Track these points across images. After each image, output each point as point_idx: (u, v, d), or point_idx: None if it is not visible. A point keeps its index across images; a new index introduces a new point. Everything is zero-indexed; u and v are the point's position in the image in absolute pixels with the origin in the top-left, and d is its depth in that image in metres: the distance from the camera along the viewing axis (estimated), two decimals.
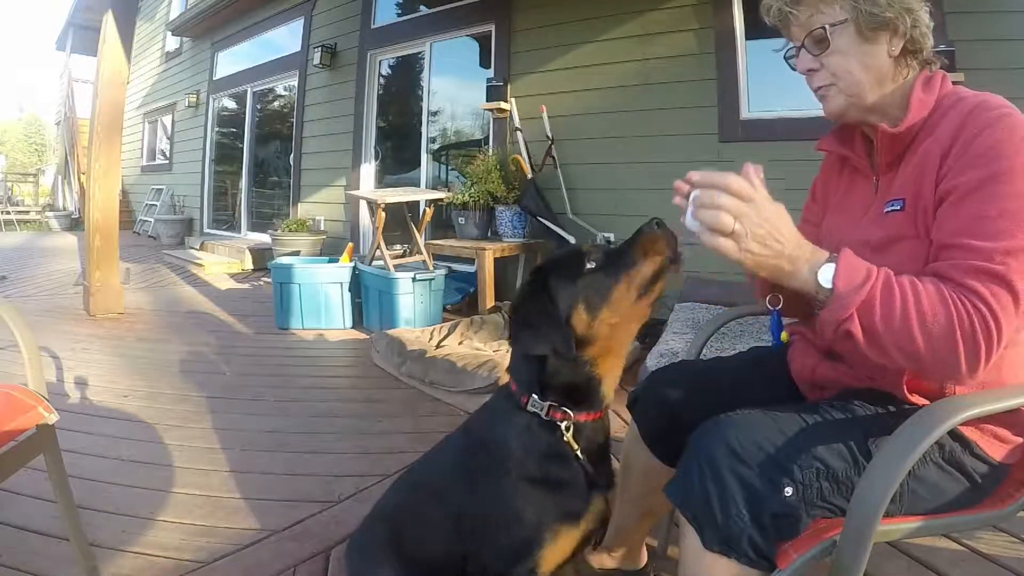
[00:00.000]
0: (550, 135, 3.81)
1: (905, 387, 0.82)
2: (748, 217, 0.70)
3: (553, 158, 3.84)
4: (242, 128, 7.51)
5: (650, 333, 2.70)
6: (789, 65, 0.96)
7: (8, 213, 10.89)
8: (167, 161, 9.08)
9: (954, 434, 0.81)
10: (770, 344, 1.10)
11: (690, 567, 0.79)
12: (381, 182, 5.55)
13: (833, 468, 0.77)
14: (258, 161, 7.56)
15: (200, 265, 5.97)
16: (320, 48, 5.66)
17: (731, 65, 3.41)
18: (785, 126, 3.21)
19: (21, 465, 1.15)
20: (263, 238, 6.39)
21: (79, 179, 10.28)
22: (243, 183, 7.46)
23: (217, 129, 8.04)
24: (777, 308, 0.95)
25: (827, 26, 0.86)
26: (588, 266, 0.84)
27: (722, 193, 0.70)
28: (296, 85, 6.23)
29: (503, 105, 4.12)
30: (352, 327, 3.73)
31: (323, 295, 3.68)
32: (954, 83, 0.87)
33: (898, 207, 0.84)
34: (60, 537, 1.37)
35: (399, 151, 5.67)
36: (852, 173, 1.01)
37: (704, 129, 3.45)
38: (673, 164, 3.43)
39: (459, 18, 4.74)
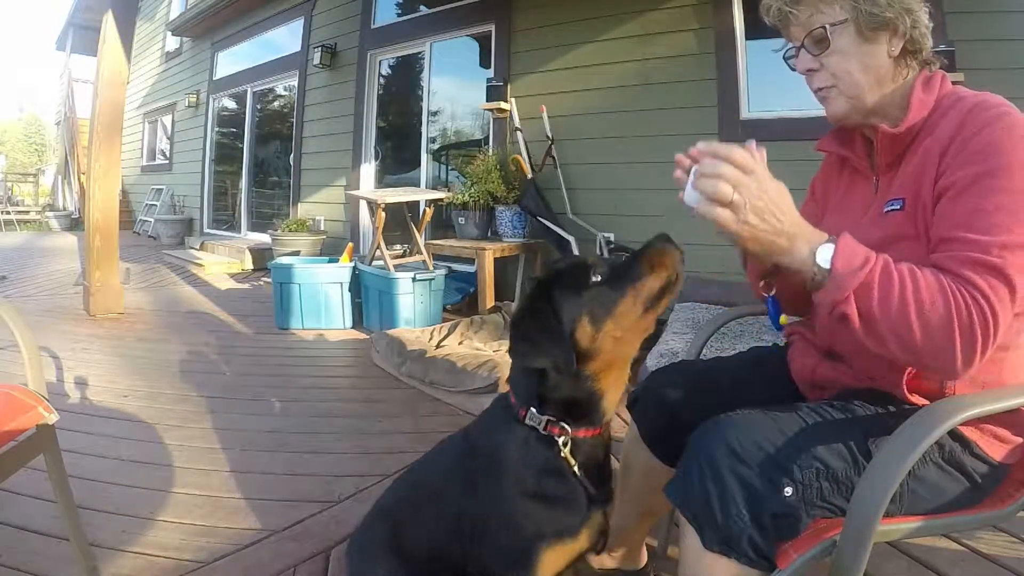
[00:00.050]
0: (550, 135, 3.81)
1: (905, 387, 0.82)
2: (748, 188, 0.70)
3: (553, 158, 3.84)
4: (242, 128, 7.51)
5: (650, 335, 2.69)
6: (789, 65, 0.96)
7: (8, 213, 10.89)
8: (167, 161, 9.08)
9: (954, 434, 0.81)
10: (770, 344, 1.10)
11: (690, 567, 0.79)
12: (381, 182, 5.55)
13: (833, 468, 0.77)
14: (258, 161, 7.55)
15: (200, 265, 5.97)
16: (320, 48, 5.65)
17: (731, 65, 3.41)
18: (785, 126, 3.21)
19: (21, 465, 1.15)
20: (263, 238, 6.38)
21: (79, 179, 10.28)
22: (243, 183, 7.46)
23: (217, 129, 8.03)
24: (771, 294, 0.95)
25: (827, 26, 0.86)
26: (594, 279, 0.83)
27: (723, 163, 0.70)
28: (296, 85, 6.22)
29: (503, 105, 4.12)
30: (352, 327, 3.73)
31: (323, 295, 3.68)
32: (954, 83, 0.87)
33: (898, 207, 0.84)
34: (60, 537, 1.37)
35: (399, 151, 5.67)
36: (852, 173, 1.01)
37: (704, 129, 3.43)
38: (673, 164, 3.41)
39: (459, 18, 4.73)
